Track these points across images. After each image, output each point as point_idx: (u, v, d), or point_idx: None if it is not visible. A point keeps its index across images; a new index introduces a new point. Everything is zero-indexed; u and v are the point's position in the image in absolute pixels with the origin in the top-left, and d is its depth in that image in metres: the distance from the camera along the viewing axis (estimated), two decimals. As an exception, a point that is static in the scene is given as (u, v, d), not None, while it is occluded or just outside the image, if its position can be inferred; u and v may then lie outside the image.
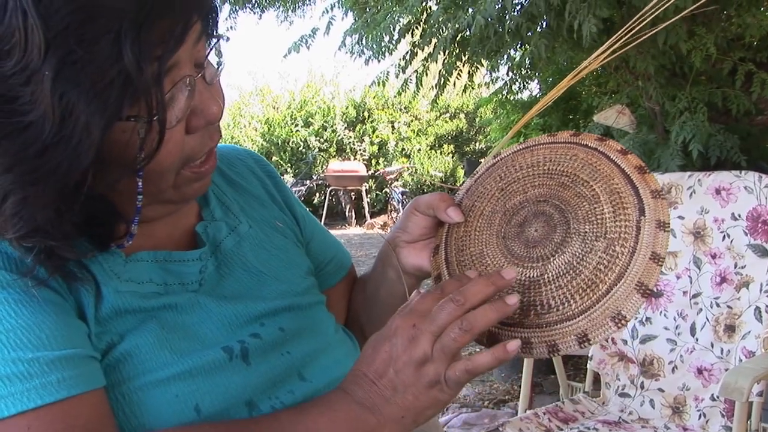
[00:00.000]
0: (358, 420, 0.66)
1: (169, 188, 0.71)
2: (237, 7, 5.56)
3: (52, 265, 0.62)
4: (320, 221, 9.69)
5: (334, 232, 9.50)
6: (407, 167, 10.58)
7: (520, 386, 2.15)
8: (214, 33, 0.68)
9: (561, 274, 0.71)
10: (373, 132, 11.02)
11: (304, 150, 10.88)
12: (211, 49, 0.68)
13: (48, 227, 0.60)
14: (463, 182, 0.87)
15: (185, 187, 0.72)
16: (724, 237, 1.95)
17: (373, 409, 0.66)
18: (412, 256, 0.86)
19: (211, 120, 0.69)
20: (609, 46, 0.81)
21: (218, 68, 0.70)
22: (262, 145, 11.03)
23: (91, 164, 0.58)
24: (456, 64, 3.25)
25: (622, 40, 0.80)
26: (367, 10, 3.62)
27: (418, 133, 11.14)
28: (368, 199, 10.51)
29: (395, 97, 9.19)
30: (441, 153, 10.95)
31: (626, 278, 0.67)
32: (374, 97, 11.12)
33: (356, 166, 10.14)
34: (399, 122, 11.09)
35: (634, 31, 0.81)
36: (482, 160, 0.89)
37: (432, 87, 3.52)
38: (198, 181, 0.73)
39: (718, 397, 1.84)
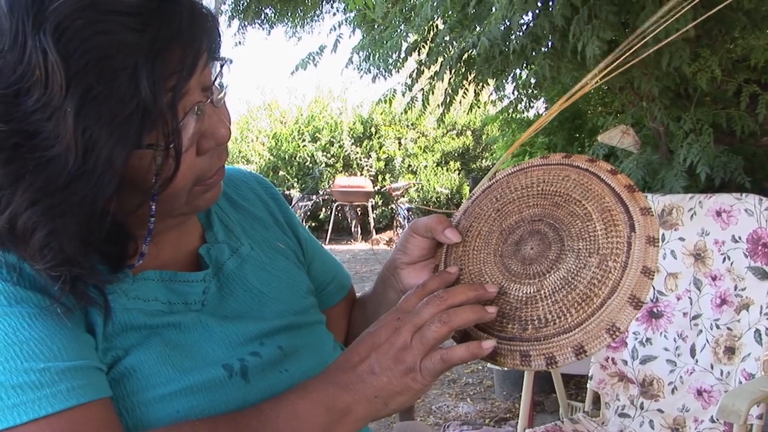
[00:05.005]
0: (334, 399, 0.69)
1: (182, 205, 0.73)
2: (246, 23, 5.63)
3: (79, 293, 0.64)
4: (326, 236, 9.74)
5: (339, 247, 9.51)
6: (413, 183, 10.59)
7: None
8: (219, 56, 0.71)
9: (557, 289, 0.74)
10: (380, 148, 11.03)
11: (311, 165, 10.90)
12: (219, 74, 0.71)
13: (77, 257, 0.62)
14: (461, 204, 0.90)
15: (197, 200, 0.75)
16: (724, 259, 1.95)
17: (349, 387, 0.70)
18: (412, 276, 0.89)
19: (220, 142, 0.72)
20: (606, 65, 0.83)
21: (223, 89, 0.73)
22: (269, 159, 11.06)
23: (115, 193, 0.60)
24: (462, 82, 3.28)
25: (619, 60, 0.82)
26: (375, 27, 3.65)
27: (424, 150, 11.14)
28: (374, 215, 10.52)
29: (402, 113, 9.20)
30: (447, 170, 10.95)
31: (619, 292, 0.70)
32: (381, 113, 11.13)
33: (363, 182, 10.15)
34: (406, 138, 11.10)
35: (632, 51, 0.83)
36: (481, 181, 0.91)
37: (439, 105, 3.55)
38: (208, 192, 0.76)
39: (717, 419, 1.84)
